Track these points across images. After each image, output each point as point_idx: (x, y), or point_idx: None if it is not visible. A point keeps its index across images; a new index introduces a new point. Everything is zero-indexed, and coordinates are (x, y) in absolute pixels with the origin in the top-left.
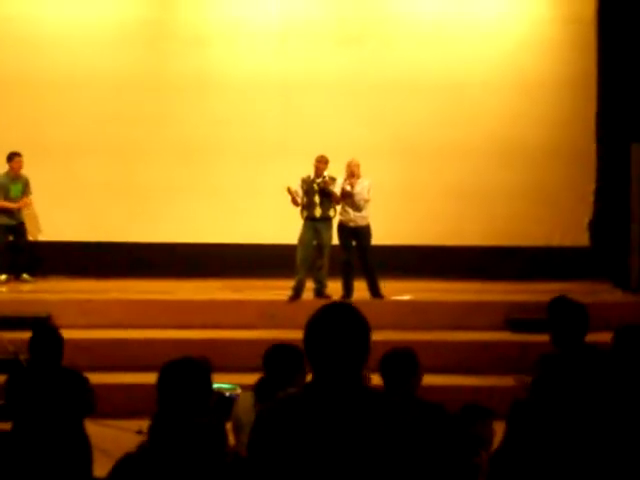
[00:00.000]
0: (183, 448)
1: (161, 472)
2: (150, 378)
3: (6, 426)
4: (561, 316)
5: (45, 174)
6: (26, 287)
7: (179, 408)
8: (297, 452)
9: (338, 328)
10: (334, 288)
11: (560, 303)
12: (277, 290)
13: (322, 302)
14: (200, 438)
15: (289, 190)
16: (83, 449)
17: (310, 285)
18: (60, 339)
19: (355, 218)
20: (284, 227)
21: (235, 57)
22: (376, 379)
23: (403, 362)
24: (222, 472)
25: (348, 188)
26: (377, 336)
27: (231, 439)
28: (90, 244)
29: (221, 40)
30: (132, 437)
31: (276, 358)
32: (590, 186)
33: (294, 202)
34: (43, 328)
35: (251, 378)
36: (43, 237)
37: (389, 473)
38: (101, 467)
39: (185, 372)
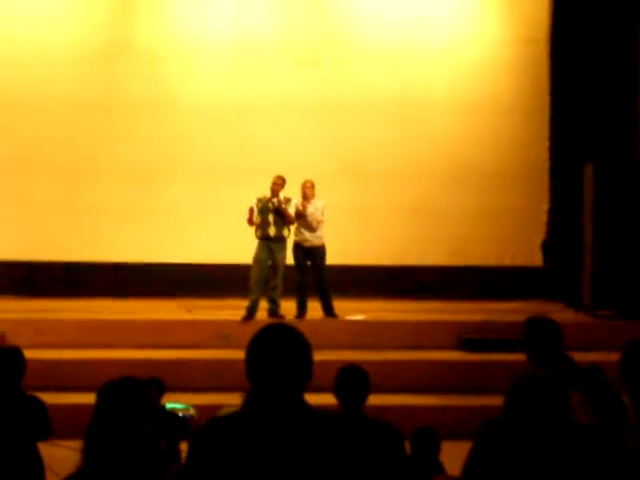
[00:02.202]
0: (117, 468)
1: None
2: None
3: None
4: (538, 334)
5: None
6: None
7: (114, 428)
8: (234, 468)
9: (278, 348)
10: (288, 308)
11: (537, 321)
12: (231, 310)
13: (276, 322)
14: (137, 457)
15: (251, 210)
16: (36, 471)
17: (264, 305)
18: (21, 361)
19: (310, 238)
20: (238, 247)
21: (190, 78)
22: (329, 399)
23: (356, 379)
24: None
25: (301, 209)
26: (331, 355)
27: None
28: (43, 264)
29: (176, 61)
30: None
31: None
32: (543, 206)
33: (250, 221)
34: (3, 349)
35: (205, 398)
36: None
37: None
38: None
39: (122, 392)
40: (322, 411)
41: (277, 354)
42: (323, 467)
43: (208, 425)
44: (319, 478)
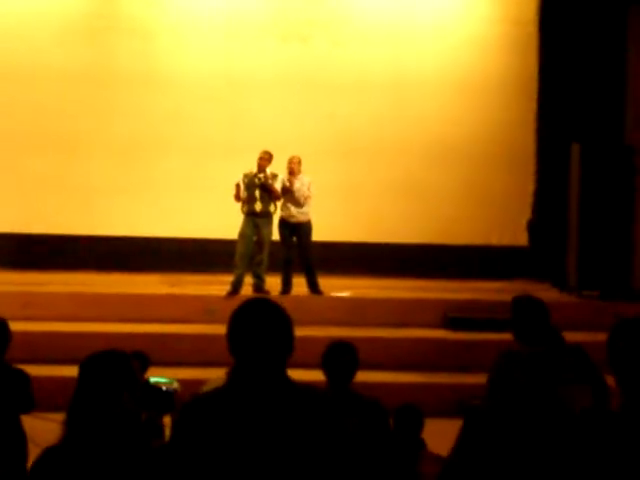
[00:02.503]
0: (99, 440)
1: (78, 464)
2: None
3: None
4: (525, 313)
5: None
6: None
7: (96, 400)
8: (219, 445)
9: (259, 322)
10: (273, 283)
11: (524, 300)
12: (216, 285)
13: (256, 297)
14: (118, 429)
15: (237, 185)
16: (19, 444)
17: (249, 280)
18: (6, 333)
19: (296, 214)
20: (224, 222)
21: (181, 52)
22: (316, 375)
23: (346, 355)
24: (142, 465)
25: (287, 184)
26: (316, 332)
27: (167, 432)
28: (30, 236)
29: (167, 34)
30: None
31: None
32: (530, 186)
33: (236, 197)
34: None
35: (190, 373)
36: None
37: (313, 468)
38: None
39: (104, 364)
40: (307, 386)
41: (258, 328)
42: (308, 442)
43: (192, 402)
44: (304, 453)
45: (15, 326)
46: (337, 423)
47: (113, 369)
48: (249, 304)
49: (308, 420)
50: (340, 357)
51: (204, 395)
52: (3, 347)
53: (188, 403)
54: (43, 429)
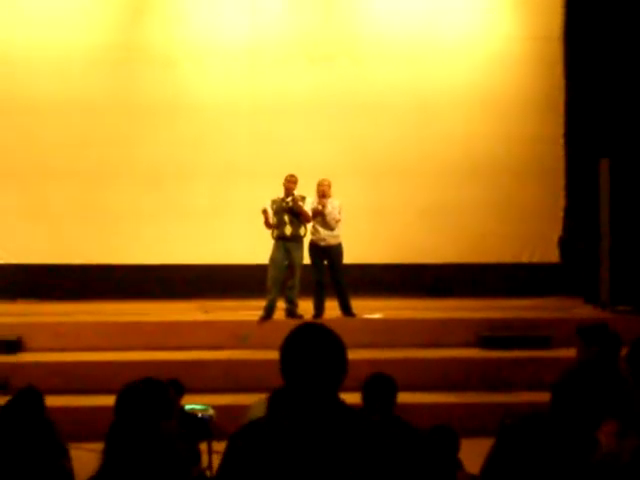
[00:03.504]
0: (137, 469)
1: None
2: None
3: None
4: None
5: (13, 197)
6: None
7: (134, 428)
8: (272, 472)
9: (314, 348)
10: (305, 307)
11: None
12: (248, 310)
13: (294, 322)
14: (157, 458)
15: (265, 212)
16: None
17: (281, 305)
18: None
19: (326, 237)
20: (255, 247)
21: (205, 78)
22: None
23: (383, 386)
24: None
25: (320, 208)
26: (349, 354)
27: (204, 459)
28: (60, 267)
29: (190, 61)
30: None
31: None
32: (560, 202)
33: (267, 224)
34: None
35: (224, 399)
36: (11, 260)
37: None
38: None
39: (141, 393)
40: (357, 410)
41: (316, 353)
42: (363, 467)
43: (242, 430)
44: (357, 478)
45: (47, 356)
46: (388, 447)
47: (151, 397)
48: (303, 328)
49: (362, 444)
50: (379, 388)
51: (254, 422)
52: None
53: (238, 431)
54: (78, 459)
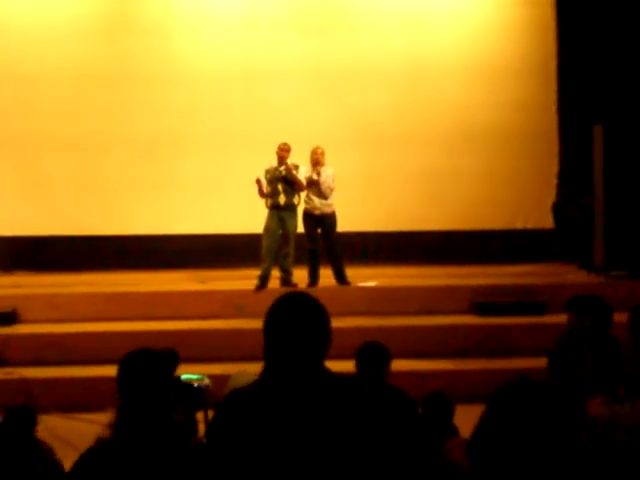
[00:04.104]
0: (146, 440)
1: (123, 464)
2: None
3: None
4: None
5: (6, 168)
6: None
7: (141, 400)
8: (258, 440)
9: (298, 317)
10: (300, 276)
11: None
12: (244, 280)
13: (288, 290)
14: (163, 429)
15: (258, 181)
16: None
17: (276, 274)
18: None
19: (320, 206)
20: (249, 216)
21: (197, 47)
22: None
23: (376, 354)
24: (183, 463)
25: (315, 177)
26: (344, 322)
27: (201, 428)
28: (55, 238)
29: (183, 30)
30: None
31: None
32: (553, 168)
33: (260, 193)
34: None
35: (219, 368)
36: (5, 232)
37: (355, 460)
38: (70, 461)
39: (144, 363)
40: (344, 378)
41: (297, 322)
42: (347, 434)
43: (228, 399)
44: (343, 445)
45: (42, 328)
46: (375, 414)
47: (155, 367)
48: (286, 298)
49: (347, 412)
50: (370, 356)
51: (240, 391)
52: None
53: (224, 400)
54: (74, 429)
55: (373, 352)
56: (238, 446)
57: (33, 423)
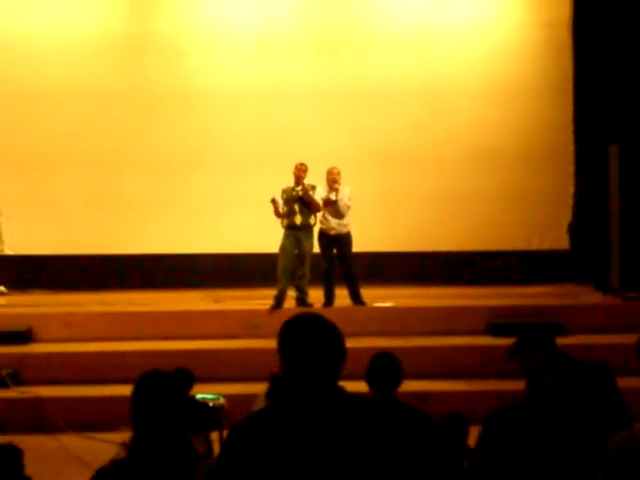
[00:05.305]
0: (160, 460)
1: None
2: None
3: None
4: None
5: (22, 187)
6: (2, 300)
7: (155, 421)
8: (276, 461)
9: (311, 337)
10: (315, 296)
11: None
12: (259, 300)
13: (303, 310)
14: (177, 450)
15: (274, 201)
16: None
17: (292, 294)
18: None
19: (336, 226)
20: (265, 236)
21: (213, 68)
22: (360, 386)
23: (389, 366)
24: None
25: (332, 197)
26: (360, 343)
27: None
28: (69, 257)
29: (199, 51)
30: (115, 450)
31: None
32: (569, 189)
33: (277, 213)
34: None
35: (235, 388)
36: (21, 251)
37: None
38: None
39: (158, 385)
40: (359, 397)
41: (311, 342)
42: (362, 454)
43: (243, 421)
44: (359, 465)
45: (57, 347)
46: (390, 433)
47: (168, 388)
48: (299, 318)
49: (363, 431)
50: (383, 369)
51: (254, 414)
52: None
53: (239, 422)
54: (88, 448)
55: (385, 361)
56: (251, 467)
57: (20, 461)
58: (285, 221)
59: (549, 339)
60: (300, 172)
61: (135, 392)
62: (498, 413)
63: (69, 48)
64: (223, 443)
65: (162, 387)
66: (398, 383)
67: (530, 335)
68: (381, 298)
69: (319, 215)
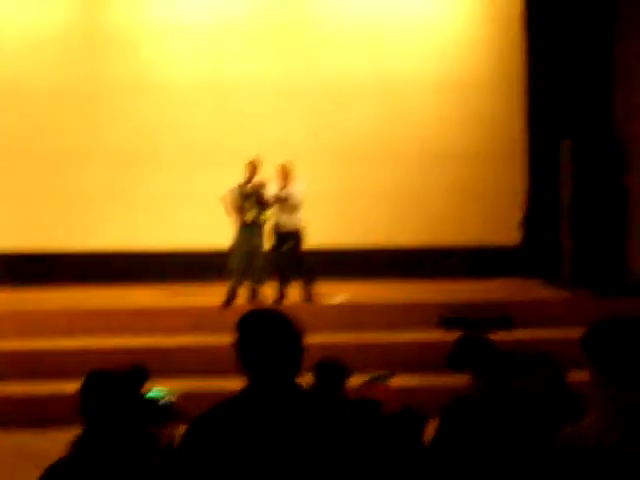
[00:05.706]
0: (106, 457)
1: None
2: None
3: None
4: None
5: None
6: None
7: (101, 419)
8: (234, 456)
9: (273, 335)
10: (267, 292)
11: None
12: (212, 296)
13: (257, 307)
14: (124, 446)
15: (223, 199)
16: None
17: (244, 290)
18: None
19: (287, 222)
20: (218, 233)
21: (168, 61)
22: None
23: (334, 371)
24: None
25: (283, 194)
26: (312, 339)
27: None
28: (24, 253)
29: (153, 43)
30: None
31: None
32: (521, 184)
33: (227, 211)
34: None
35: (189, 383)
36: None
37: (325, 474)
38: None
39: (104, 383)
40: (316, 394)
41: (270, 337)
42: (324, 449)
43: (203, 415)
44: (320, 460)
45: (12, 344)
46: (350, 430)
47: (111, 388)
48: (256, 314)
49: (323, 427)
50: (329, 372)
51: (214, 408)
52: None
53: (201, 415)
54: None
55: (331, 369)
56: (209, 461)
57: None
58: (237, 218)
59: (482, 352)
60: (252, 168)
61: (82, 389)
62: (454, 404)
63: (20, 40)
64: (183, 434)
65: (107, 384)
66: (343, 379)
67: (460, 350)
68: (334, 293)
69: (270, 212)
